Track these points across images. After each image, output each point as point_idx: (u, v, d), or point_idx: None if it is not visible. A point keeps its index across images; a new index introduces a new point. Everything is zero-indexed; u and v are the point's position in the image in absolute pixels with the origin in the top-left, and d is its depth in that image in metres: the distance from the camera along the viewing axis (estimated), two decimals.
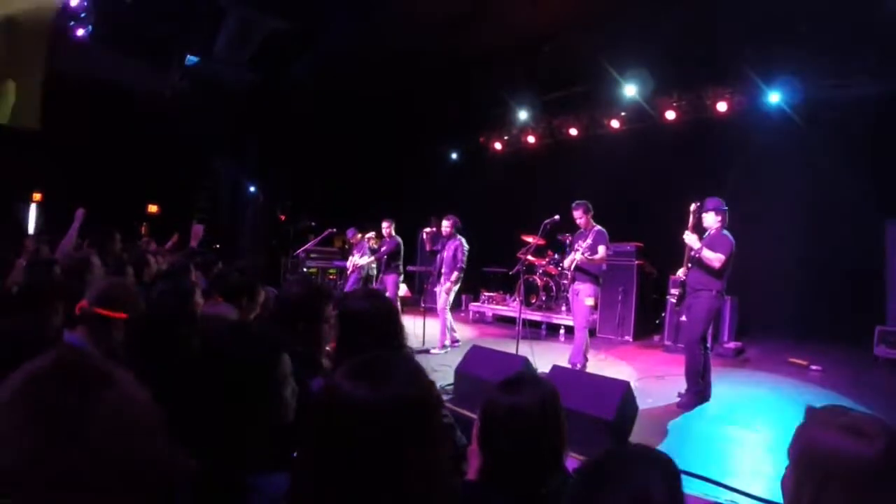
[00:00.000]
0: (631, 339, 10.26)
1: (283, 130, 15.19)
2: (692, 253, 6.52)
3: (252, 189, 17.23)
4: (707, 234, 6.53)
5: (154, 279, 5.24)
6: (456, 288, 9.48)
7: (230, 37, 11.58)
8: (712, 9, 8.92)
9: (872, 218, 9.43)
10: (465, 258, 9.29)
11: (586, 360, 7.61)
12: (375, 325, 2.57)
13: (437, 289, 9.78)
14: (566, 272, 8.09)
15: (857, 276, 9.57)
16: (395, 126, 15.03)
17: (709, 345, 6.82)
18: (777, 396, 6.96)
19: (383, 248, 10.49)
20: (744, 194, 9.73)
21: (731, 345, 9.43)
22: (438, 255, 9.67)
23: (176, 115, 14.01)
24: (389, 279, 10.37)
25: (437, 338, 9.37)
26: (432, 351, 9.01)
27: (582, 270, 7.65)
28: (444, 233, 9.47)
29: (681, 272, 6.72)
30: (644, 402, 6.01)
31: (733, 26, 9.18)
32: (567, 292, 10.07)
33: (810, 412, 1.51)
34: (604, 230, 7.64)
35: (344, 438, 1.20)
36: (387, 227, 10.54)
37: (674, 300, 7.14)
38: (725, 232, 6.40)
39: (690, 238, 6.50)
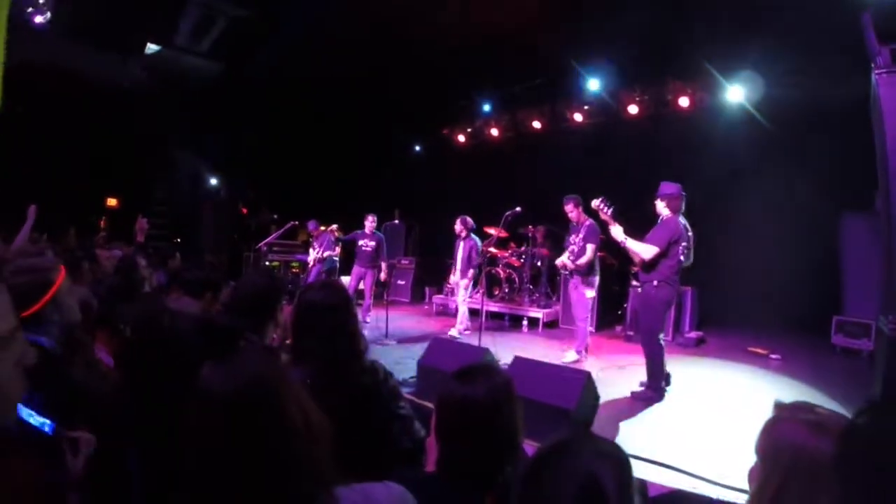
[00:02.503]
0: (593, 330, 10.29)
1: (244, 122, 15.00)
2: (620, 245, 6.53)
3: (213, 182, 16.99)
4: (660, 219, 6.48)
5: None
6: (471, 283, 10.05)
7: (191, 26, 11.38)
8: (676, 5, 8.98)
9: (829, 211, 9.62)
10: (479, 257, 9.70)
11: (586, 350, 7.99)
12: (331, 316, 2.54)
13: (452, 280, 10.45)
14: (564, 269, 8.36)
15: (815, 268, 9.76)
16: (357, 118, 14.92)
17: (664, 335, 6.78)
18: (737, 384, 7.05)
19: (371, 243, 10.53)
20: (705, 188, 9.85)
21: (692, 334, 9.56)
22: (454, 251, 10.17)
23: (136, 106, 13.76)
24: (370, 274, 10.51)
25: (400, 330, 9.71)
26: (450, 332, 9.59)
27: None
28: (457, 233, 9.96)
29: None
30: (605, 392, 6.05)
31: (696, 23, 9.25)
32: (531, 284, 10.19)
33: (777, 408, 1.54)
34: (595, 224, 7.72)
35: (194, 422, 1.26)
36: (370, 222, 10.56)
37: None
38: (680, 219, 6.29)
39: (616, 231, 6.44)
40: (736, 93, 10.62)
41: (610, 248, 10.08)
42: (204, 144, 16.05)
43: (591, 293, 7.89)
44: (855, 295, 9.18)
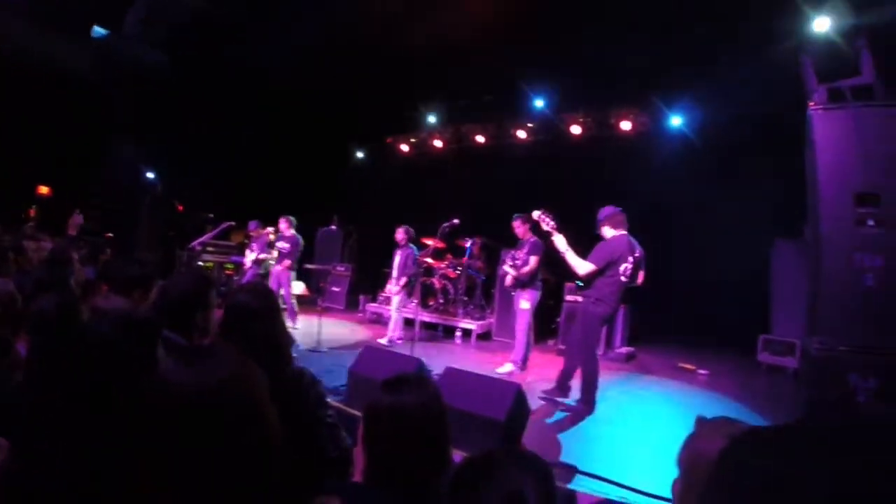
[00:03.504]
0: None
1: (187, 118, 14.64)
2: (560, 255, 6.58)
3: (151, 176, 16.49)
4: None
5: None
6: (404, 290, 9.93)
7: (141, 13, 11.04)
8: (620, 35, 9.20)
9: (761, 236, 9.97)
10: (414, 265, 9.72)
11: (525, 363, 8.02)
12: (255, 319, 2.55)
13: (389, 288, 10.72)
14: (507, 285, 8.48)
15: (745, 289, 10.10)
16: (301, 121, 14.75)
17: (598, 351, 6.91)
18: (665, 398, 7.25)
19: (287, 246, 10.40)
20: (643, 208, 10.08)
21: (623, 350, 9.74)
22: (393, 259, 10.33)
23: (75, 91, 13.27)
24: (285, 276, 10.33)
25: (332, 337, 9.66)
26: (379, 340, 9.62)
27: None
28: (398, 241, 10.07)
29: None
30: (536, 404, 6.10)
31: (640, 52, 9.47)
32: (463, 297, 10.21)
33: (699, 423, 1.56)
34: (540, 241, 7.77)
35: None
36: (284, 224, 10.45)
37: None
38: (627, 237, 6.41)
39: (558, 240, 6.51)
40: (676, 119, 10.93)
41: (547, 263, 10.25)
42: (144, 137, 15.59)
43: (525, 304, 7.94)
44: (782, 315, 9.50)
